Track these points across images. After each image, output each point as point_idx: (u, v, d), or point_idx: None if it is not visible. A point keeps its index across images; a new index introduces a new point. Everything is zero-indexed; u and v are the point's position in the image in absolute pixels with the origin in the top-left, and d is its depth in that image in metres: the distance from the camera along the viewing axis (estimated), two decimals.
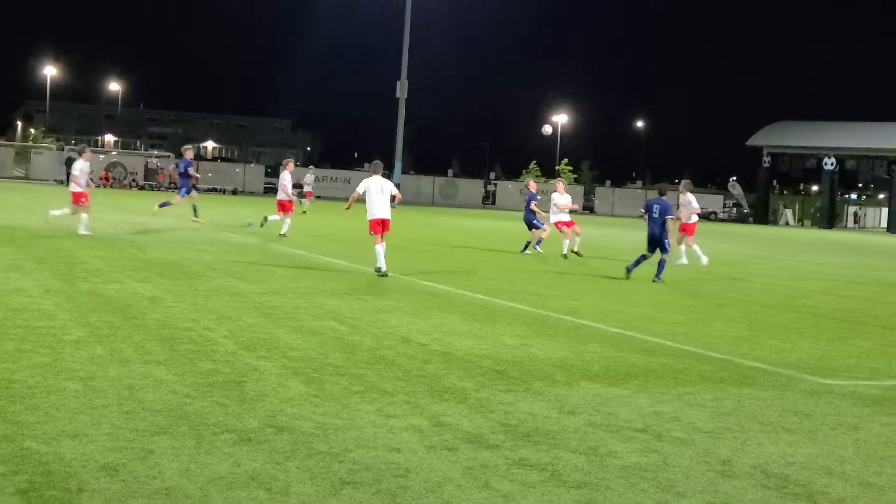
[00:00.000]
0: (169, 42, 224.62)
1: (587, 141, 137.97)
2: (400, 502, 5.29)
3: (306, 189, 46.47)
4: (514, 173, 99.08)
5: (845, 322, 14.94)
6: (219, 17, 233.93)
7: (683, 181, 24.61)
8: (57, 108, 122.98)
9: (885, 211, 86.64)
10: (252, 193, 72.54)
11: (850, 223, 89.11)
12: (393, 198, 17.48)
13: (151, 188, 68.80)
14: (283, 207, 26.31)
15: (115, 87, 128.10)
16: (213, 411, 6.95)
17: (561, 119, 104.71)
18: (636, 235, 38.64)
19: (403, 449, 6.29)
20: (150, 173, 72.73)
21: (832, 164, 78.08)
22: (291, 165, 27.83)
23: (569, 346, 10.84)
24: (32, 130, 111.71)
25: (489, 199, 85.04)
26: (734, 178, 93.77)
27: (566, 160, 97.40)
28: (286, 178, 27.07)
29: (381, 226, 16.89)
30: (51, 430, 6.24)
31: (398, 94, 73.28)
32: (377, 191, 17.05)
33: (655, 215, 18.52)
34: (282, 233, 25.89)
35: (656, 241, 18.64)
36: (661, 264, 18.82)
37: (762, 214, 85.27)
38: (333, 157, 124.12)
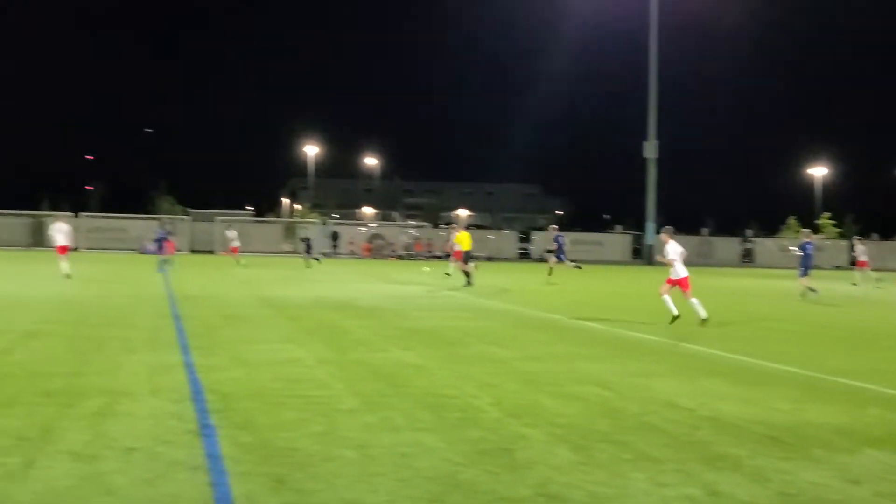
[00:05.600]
0: (420, 115, 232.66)
1: (852, 192, 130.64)
2: None
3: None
4: (771, 229, 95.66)
5: None
6: (461, 87, 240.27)
7: None
8: (319, 184, 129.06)
9: None
10: (506, 260, 73.44)
11: None
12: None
13: (410, 258, 70.84)
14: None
15: (372, 161, 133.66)
16: (484, 479, 7.02)
17: (819, 171, 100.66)
18: None
19: None
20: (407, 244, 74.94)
21: None
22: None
23: (846, 409, 10.31)
24: (297, 206, 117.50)
25: (747, 258, 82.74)
26: None
27: (828, 213, 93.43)
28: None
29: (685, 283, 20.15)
30: (331, 498, 6.47)
31: (646, 155, 72.95)
32: (682, 254, 20.25)
33: None
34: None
35: None
36: None
37: None
38: (584, 220, 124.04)
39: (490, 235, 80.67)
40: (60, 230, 33.62)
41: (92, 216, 71.04)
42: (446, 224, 76.95)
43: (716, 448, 8.25)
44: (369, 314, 20.95)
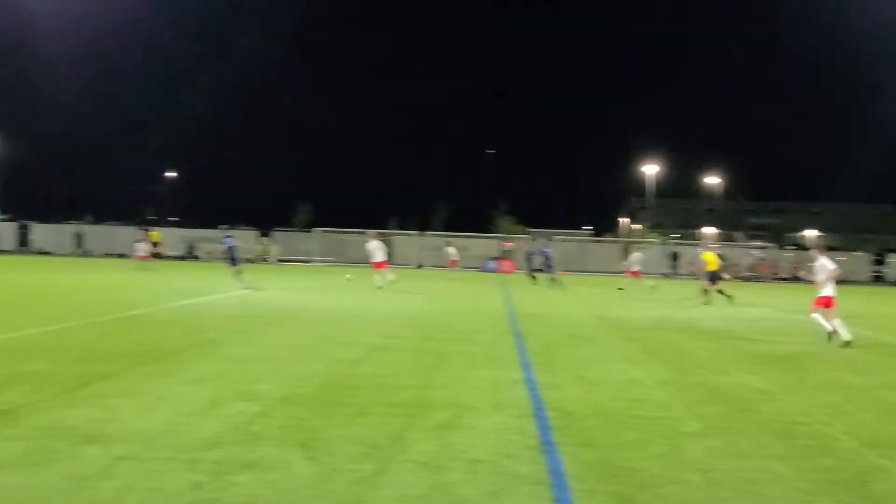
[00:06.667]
0: (764, 130, 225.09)
1: None
2: None
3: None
4: None
5: None
6: (809, 99, 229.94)
7: None
8: (659, 204, 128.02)
9: None
10: (858, 283, 69.71)
11: None
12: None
13: (755, 279, 68.82)
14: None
15: (714, 180, 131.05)
16: None
17: None
18: None
19: None
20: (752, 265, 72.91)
21: None
22: None
23: None
24: (636, 226, 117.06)
25: None
26: None
27: None
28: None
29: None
30: None
31: None
32: (833, 272, 19.17)
33: None
34: None
35: None
36: None
37: None
38: None
39: (841, 257, 76.76)
40: (377, 248, 36.31)
41: (435, 235, 73.98)
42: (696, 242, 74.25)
43: None
44: (712, 336, 20.45)
